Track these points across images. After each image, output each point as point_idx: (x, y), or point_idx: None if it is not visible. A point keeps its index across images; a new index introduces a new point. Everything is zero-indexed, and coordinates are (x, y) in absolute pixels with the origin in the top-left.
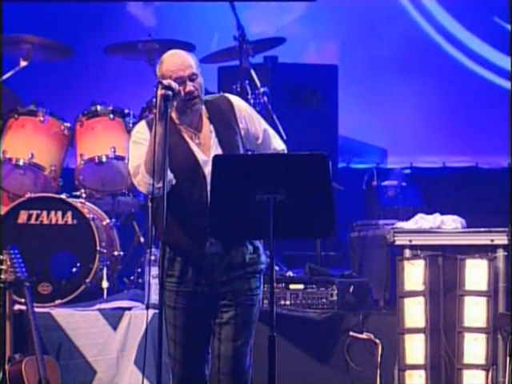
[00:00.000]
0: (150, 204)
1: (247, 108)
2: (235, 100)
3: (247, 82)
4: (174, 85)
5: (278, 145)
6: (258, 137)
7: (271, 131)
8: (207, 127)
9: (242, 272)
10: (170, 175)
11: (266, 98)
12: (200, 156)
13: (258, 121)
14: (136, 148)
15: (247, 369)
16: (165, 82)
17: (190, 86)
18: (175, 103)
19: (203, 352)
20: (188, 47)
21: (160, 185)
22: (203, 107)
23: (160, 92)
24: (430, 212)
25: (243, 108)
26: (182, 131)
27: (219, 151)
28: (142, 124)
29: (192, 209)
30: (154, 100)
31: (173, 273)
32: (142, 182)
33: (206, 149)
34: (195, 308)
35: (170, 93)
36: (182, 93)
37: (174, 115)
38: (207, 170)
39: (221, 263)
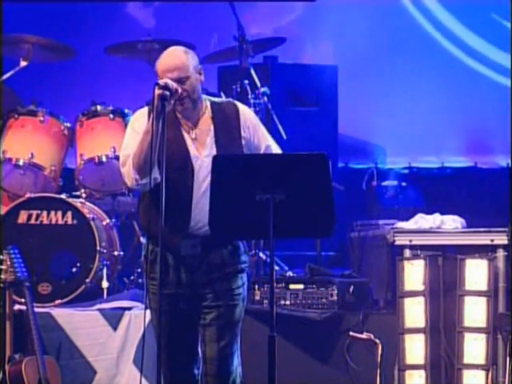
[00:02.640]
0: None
1: (253, 119)
2: (242, 108)
3: (247, 82)
4: (171, 84)
5: None
6: (259, 149)
7: (275, 147)
8: (207, 125)
9: (222, 273)
10: (155, 172)
11: (266, 98)
12: (192, 151)
13: (262, 134)
14: (132, 136)
15: (233, 369)
16: (161, 82)
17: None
18: (172, 102)
19: (191, 353)
20: (187, 47)
21: (145, 181)
22: (208, 106)
23: (157, 92)
24: (429, 212)
25: (248, 118)
26: (180, 124)
27: (214, 151)
28: (144, 112)
29: (176, 203)
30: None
31: (154, 275)
32: (128, 174)
33: (200, 145)
34: (177, 310)
35: (167, 93)
36: (179, 91)
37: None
38: (197, 165)
39: (200, 265)
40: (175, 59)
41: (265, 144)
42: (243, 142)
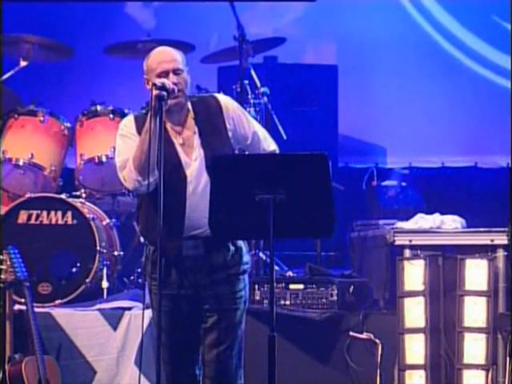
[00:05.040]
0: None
1: (236, 108)
2: (223, 100)
3: (247, 82)
4: (168, 84)
5: (267, 146)
6: (246, 138)
7: (262, 133)
8: (192, 128)
9: (225, 274)
10: (156, 173)
11: (265, 98)
12: (183, 157)
13: (247, 122)
14: (123, 142)
15: (233, 373)
16: (159, 82)
17: (173, 78)
18: (169, 102)
19: (192, 354)
20: (187, 47)
21: (147, 182)
22: (190, 108)
23: (154, 92)
24: (429, 212)
25: (231, 108)
26: (168, 130)
27: (201, 153)
28: (130, 118)
29: (170, 210)
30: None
31: (156, 276)
32: (129, 177)
33: (188, 150)
34: (180, 311)
35: (164, 93)
36: (176, 90)
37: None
38: (189, 171)
39: (202, 266)
40: (171, 52)
41: (251, 131)
42: (229, 134)
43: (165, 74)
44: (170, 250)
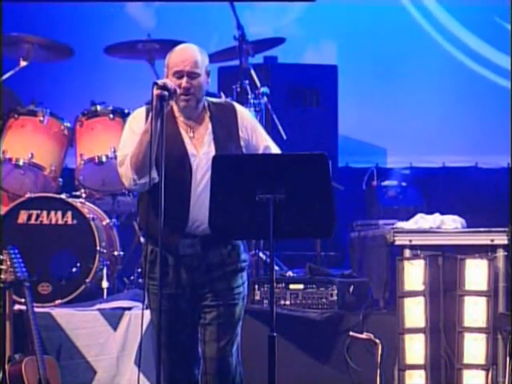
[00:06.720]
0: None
1: (251, 120)
2: (240, 109)
3: (247, 81)
4: (170, 84)
5: None
6: (257, 150)
7: (274, 149)
8: (206, 125)
9: (221, 272)
10: (153, 172)
11: (265, 98)
12: (190, 149)
13: (260, 135)
14: (129, 136)
15: (233, 368)
16: (160, 82)
17: (184, 83)
18: (171, 102)
19: (191, 353)
20: None
21: (143, 181)
22: (206, 106)
23: (156, 92)
24: (430, 212)
25: (246, 118)
26: (178, 123)
27: (212, 149)
28: (141, 111)
29: (174, 202)
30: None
31: (154, 275)
32: (125, 174)
33: (198, 144)
34: (178, 310)
35: (165, 93)
36: (178, 90)
37: (174, 106)
38: (195, 164)
39: (199, 265)
40: (191, 53)
41: (263, 145)
42: (242, 142)
43: (179, 74)
44: (168, 248)
